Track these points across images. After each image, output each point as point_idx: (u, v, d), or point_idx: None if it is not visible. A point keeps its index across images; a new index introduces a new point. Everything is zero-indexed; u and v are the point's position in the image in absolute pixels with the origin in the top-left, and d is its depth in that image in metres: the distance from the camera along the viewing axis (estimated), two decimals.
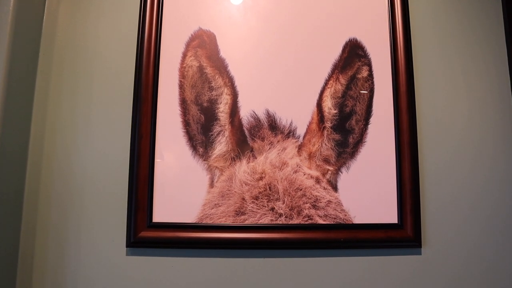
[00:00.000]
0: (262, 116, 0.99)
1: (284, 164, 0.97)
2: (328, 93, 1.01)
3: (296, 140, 0.99)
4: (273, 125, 0.99)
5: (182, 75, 0.99)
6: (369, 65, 1.03)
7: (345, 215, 0.97)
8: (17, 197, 0.92)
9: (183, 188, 0.95)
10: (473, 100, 1.07)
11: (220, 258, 0.94)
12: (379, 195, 0.98)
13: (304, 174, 0.97)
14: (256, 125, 0.99)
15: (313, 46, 1.03)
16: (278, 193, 0.95)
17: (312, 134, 0.99)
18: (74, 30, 1.02)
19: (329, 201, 0.97)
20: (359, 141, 1.00)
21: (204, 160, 0.96)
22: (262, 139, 0.98)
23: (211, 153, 0.97)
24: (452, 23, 1.10)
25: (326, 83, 1.01)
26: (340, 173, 0.98)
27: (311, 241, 0.94)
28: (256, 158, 0.97)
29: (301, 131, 0.99)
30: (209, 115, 0.98)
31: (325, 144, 0.99)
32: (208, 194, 0.95)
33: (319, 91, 1.01)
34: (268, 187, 0.96)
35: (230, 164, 0.96)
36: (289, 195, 0.95)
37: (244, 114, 0.99)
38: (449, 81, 1.07)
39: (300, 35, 1.04)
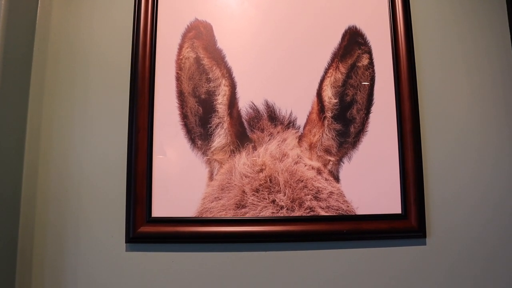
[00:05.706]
0: (261, 107, 0.97)
1: (285, 156, 0.95)
2: (328, 82, 0.99)
3: (296, 130, 0.97)
4: (273, 116, 0.97)
5: (179, 67, 0.98)
6: (370, 53, 1.01)
7: (348, 206, 0.95)
8: (15, 193, 0.91)
9: (182, 182, 0.93)
10: (476, 86, 1.05)
11: (221, 252, 0.93)
12: (382, 185, 0.97)
13: (305, 165, 0.95)
14: (255, 116, 0.97)
15: (312, 34, 1.01)
16: (279, 185, 0.94)
17: (312, 124, 0.97)
18: (68, 24, 1.00)
19: (331, 192, 0.95)
20: (361, 131, 0.98)
21: (203, 153, 0.95)
22: (262, 131, 0.96)
23: (210, 145, 0.95)
24: (454, 8, 1.08)
25: (326, 72, 0.99)
26: (341, 163, 0.97)
27: (313, 233, 0.92)
28: (256, 150, 0.95)
29: (301, 121, 0.97)
30: (207, 107, 0.96)
31: (326, 134, 0.97)
32: (208, 188, 0.93)
33: (319, 81, 0.99)
34: (268, 179, 0.94)
35: (229, 156, 0.95)
36: (290, 187, 0.94)
37: (243, 105, 0.97)
38: (451, 68, 1.05)
39: (298, 24, 1.02)
